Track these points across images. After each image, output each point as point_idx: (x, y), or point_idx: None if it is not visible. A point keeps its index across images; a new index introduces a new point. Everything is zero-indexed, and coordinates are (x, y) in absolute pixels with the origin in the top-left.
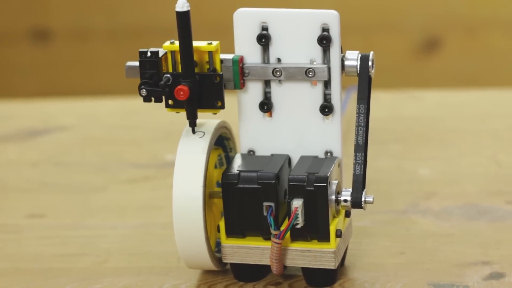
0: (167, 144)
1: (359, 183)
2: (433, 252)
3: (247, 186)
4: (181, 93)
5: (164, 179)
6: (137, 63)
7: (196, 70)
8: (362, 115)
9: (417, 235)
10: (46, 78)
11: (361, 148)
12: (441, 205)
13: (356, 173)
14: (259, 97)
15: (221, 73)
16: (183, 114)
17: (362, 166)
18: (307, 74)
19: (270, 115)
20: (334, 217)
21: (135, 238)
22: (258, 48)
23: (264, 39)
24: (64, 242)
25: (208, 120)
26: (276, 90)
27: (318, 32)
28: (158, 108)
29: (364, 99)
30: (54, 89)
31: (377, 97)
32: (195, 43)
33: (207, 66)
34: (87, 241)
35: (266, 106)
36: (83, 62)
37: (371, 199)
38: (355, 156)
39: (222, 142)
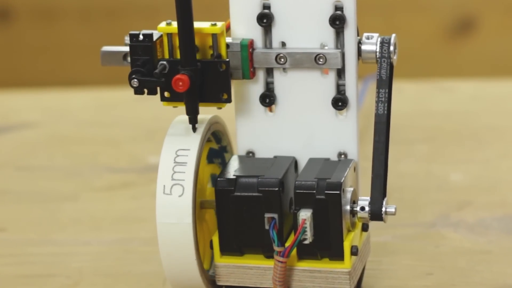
0: (150, 145)
1: (379, 191)
2: (467, 273)
3: (246, 194)
4: (180, 83)
5: (146, 185)
6: (114, 48)
7: (198, 56)
8: (382, 108)
9: (448, 253)
10: (6, 66)
11: (382, 146)
12: (476, 216)
13: (375, 177)
14: (260, 89)
15: (228, 60)
16: (171, 109)
17: (383, 169)
18: (317, 61)
19: (273, 110)
20: (349, 231)
21: (112, 256)
22: (258, 30)
23: (265, 19)
24: (27, 261)
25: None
26: (280, 80)
27: (330, 11)
28: (139, 102)
29: (384, 91)
30: (15, 78)
31: (400, 88)
32: (196, 24)
33: (211, 52)
34: (55, 260)
35: (268, 99)
36: (50, 47)
37: (393, 210)
38: (374, 157)
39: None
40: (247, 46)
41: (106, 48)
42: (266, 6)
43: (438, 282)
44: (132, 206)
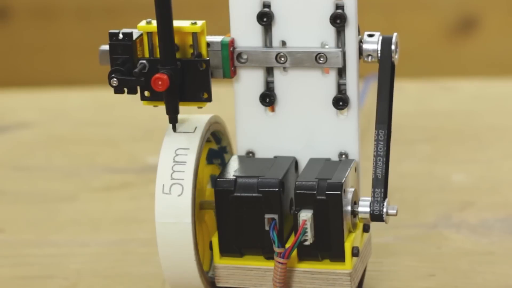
0: (149, 145)
1: (380, 191)
2: (469, 274)
3: (246, 194)
4: (160, 82)
5: (145, 186)
6: None
7: (178, 55)
8: (383, 109)
9: (450, 254)
10: (3, 65)
11: (383, 147)
12: (478, 217)
13: (377, 178)
14: (260, 88)
15: (208, 58)
16: (163, 108)
17: (384, 170)
18: (318, 60)
19: (273, 110)
20: (350, 232)
21: (111, 257)
22: (258, 29)
23: (265, 18)
24: (25, 262)
25: (194, 115)
26: (280, 80)
27: (330, 10)
28: (137, 101)
29: (385, 90)
30: (13, 78)
31: (402, 87)
32: (176, 23)
33: (191, 51)
34: (52, 261)
35: (268, 98)
36: (48, 46)
37: (395, 211)
38: (375, 158)
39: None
40: (228, 45)
41: (104, 47)
42: (266, 5)
43: (440, 284)
44: (130, 206)
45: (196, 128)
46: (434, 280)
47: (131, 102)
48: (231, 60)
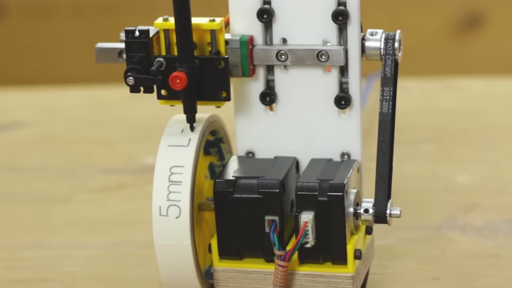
0: (146, 145)
1: (384, 192)
2: (475, 278)
3: (245, 196)
4: (177, 81)
5: (142, 187)
6: (109, 45)
7: (196, 53)
8: (387, 107)
9: (455, 257)
10: None
11: (386, 146)
12: (484, 219)
13: (380, 179)
14: (260, 87)
15: (227, 56)
16: (167, 107)
17: (387, 170)
18: (319, 58)
19: (273, 109)
20: (352, 234)
21: (107, 260)
22: (258, 26)
23: (266, 15)
24: (19, 265)
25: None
26: (281, 78)
27: (332, 6)
28: (135, 100)
29: (389, 89)
30: (7, 76)
31: (405, 86)
32: (194, 20)
33: (209, 49)
34: (48, 264)
35: (268, 97)
36: (43, 44)
37: (398, 212)
38: (378, 157)
39: (216, 144)
40: (247, 43)
41: (101, 44)
42: (267, 1)
43: (445, 287)
44: (127, 208)
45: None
46: (438, 284)
47: (129, 101)
48: (250, 58)
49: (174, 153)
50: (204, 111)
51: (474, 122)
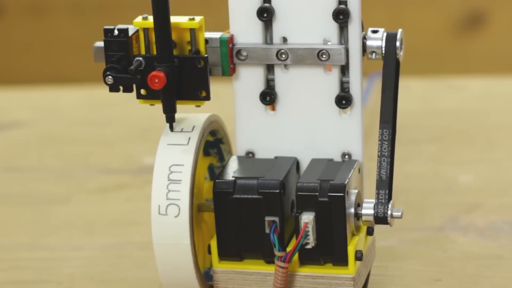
0: (145, 145)
1: (385, 193)
2: (477, 279)
3: (245, 196)
4: (156, 80)
5: (141, 187)
6: None
7: (175, 52)
8: (388, 108)
9: (457, 258)
10: None
11: (387, 148)
12: (486, 220)
13: (381, 179)
14: (260, 86)
15: (206, 55)
16: (159, 107)
17: (388, 171)
18: (320, 57)
19: (274, 108)
20: (353, 235)
21: (106, 261)
22: (258, 24)
23: (266, 13)
24: (17, 267)
25: (193, 114)
26: (281, 77)
27: (333, 5)
28: (134, 100)
29: (390, 88)
30: (4, 76)
31: (407, 85)
32: (174, 19)
33: (189, 48)
34: (46, 265)
35: (268, 97)
36: (41, 43)
37: (400, 213)
38: (379, 159)
39: (216, 144)
40: (227, 41)
41: (99, 43)
42: (267, 0)
43: None
44: (126, 209)
45: (193, 127)
46: (440, 285)
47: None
48: (230, 57)
49: (174, 152)
50: (204, 111)
51: (476, 122)
